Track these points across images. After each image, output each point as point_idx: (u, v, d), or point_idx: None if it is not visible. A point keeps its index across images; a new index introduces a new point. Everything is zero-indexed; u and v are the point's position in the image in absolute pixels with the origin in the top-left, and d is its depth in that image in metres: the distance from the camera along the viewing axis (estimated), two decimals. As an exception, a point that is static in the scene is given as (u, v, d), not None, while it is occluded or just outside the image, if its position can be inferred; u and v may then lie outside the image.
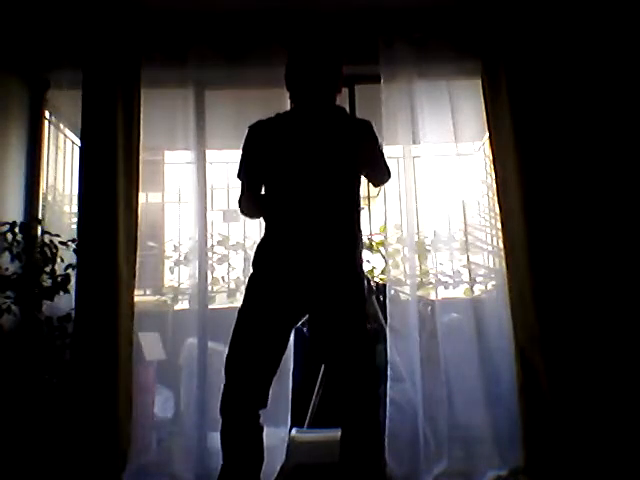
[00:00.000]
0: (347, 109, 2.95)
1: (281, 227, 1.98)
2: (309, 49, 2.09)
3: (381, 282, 3.05)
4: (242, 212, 2.16)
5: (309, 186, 1.95)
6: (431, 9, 2.92)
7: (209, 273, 2.96)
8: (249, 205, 2.12)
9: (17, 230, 2.65)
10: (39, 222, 2.85)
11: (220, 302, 3.06)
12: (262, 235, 2.07)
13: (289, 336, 2.03)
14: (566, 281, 2.61)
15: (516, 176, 2.71)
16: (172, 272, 3.16)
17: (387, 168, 2.15)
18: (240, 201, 2.12)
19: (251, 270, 2.04)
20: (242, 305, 1.99)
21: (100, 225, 2.65)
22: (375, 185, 2.34)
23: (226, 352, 1.96)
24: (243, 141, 2.12)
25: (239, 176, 2.13)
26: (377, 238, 3.22)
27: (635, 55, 2.78)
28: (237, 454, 1.90)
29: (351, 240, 1.99)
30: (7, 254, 2.63)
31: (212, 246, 3.11)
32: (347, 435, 1.90)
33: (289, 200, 1.97)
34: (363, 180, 2.14)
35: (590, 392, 2.50)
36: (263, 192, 2.10)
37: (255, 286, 1.99)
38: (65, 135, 3.15)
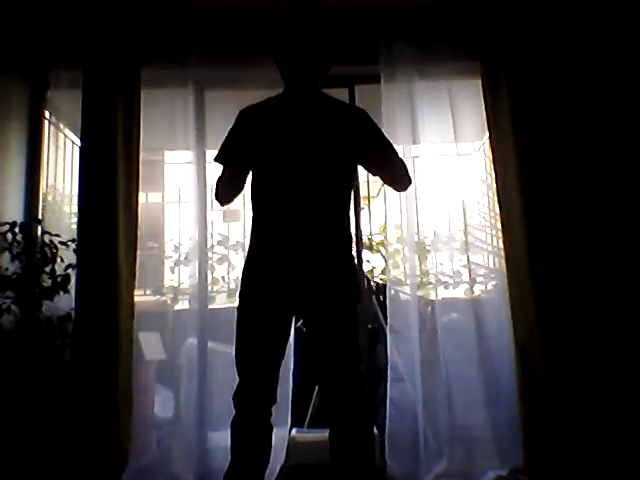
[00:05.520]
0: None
1: (271, 222, 1.93)
2: (301, 25, 1.99)
3: (381, 282, 3.05)
4: (217, 197, 2.05)
5: (300, 179, 1.90)
6: (431, 9, 2.92)
7: (209, 273, 2.96)
8: (226, 189, 2.03)
9: (17, 230, 2.65)
10: (39, 222, 2.85)
11: (220, 302, 3.05)
12: (251, 231, 2.00)
13: (289, 330, 2.01)
14: (566, 281, 2.61)
15: (516, 176, 2.71)
16: (172, 272, 3.15)
17: (405, 168, 2.02)
18: (218, 184, 2.03)
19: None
20: (239, 302, 1.95)
21: (100, 225, 2.65)
22: (397, 189, 2.17)
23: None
24: (232, 124, 2.02)
25: (218, 158, 2.00)
26: (377, 238, 3.22)
27: (634, 53, 2.78)
28: (246, 448, 1.89)
29: (341, 237, 1.94)
30: (7, 254, 2.62)
31: (212, 246, 3.11)
32: (336, 433, 1.88)
33: (279, 194, 1.92)
34: (363, 180, 2.13)
35: (590, 392, 2.50)
36: (250, 183, 2.01)
37: (250, 283, 1.95)
38: (65, 135, 3.15)
